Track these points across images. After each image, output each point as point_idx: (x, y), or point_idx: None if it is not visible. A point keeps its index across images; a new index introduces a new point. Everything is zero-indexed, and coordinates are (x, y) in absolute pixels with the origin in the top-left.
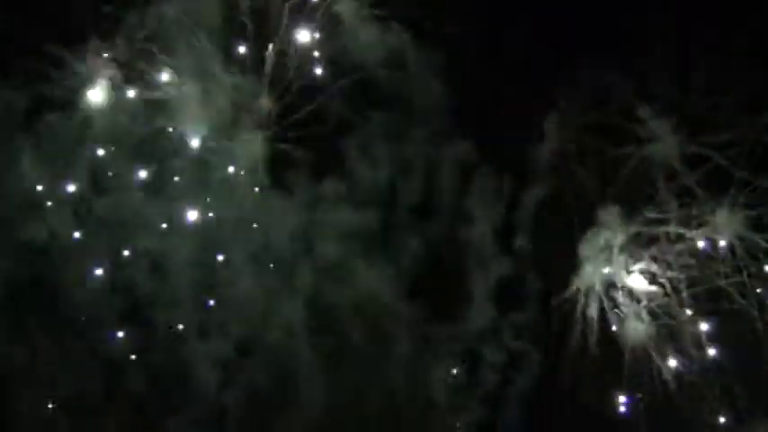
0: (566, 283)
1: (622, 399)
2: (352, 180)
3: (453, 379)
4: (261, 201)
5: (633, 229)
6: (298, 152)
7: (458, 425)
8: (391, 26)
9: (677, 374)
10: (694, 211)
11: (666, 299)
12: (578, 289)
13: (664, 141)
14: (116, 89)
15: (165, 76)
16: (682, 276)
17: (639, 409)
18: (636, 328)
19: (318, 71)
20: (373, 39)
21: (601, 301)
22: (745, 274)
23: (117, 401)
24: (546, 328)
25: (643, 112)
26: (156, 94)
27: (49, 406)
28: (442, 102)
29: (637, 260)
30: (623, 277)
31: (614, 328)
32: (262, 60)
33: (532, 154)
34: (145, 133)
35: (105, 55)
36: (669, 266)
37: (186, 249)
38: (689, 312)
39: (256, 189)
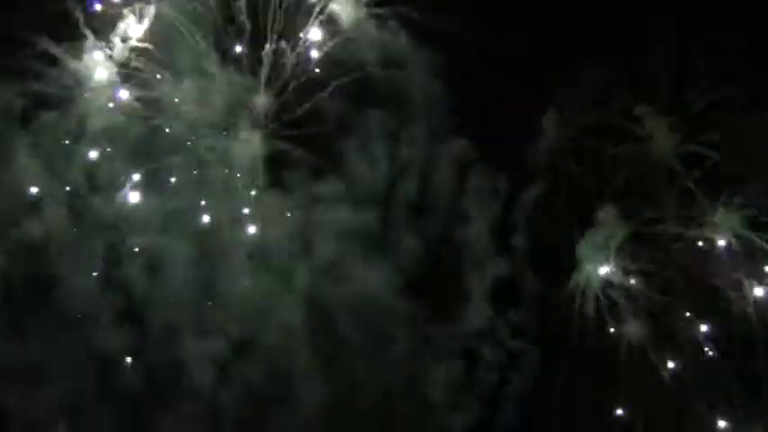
0: (563, 283)
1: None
2: (350, 179)
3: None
4: (258, 200)
5: (630, 228)
6: (295, 151)
7: None
8: (389, 25)
9: (675, 374)
10: (692, 211)
11: (664, 298)
12: (576, 288)
13: (662, 140)
14: (112, 88)
15: (161, 75)
16: (679, 276)
17: (637, 408)
18: (633, 327)
19: (316, 70)
20: (371, 38)
21: (598, 301)
22: (742, 273)
23: (112, 400)
24: (543, 327)
25: (641, 111)
26: (153, 93)
27: (44, 404)
28: (439, 101)
29: (634, 259)
30: (621, 276)
31: (612, 327)
32: (259, 59)
33: (530, 153)
34: (141, 132)
35: (102, 53)
36: (667, 266)
37: (183, 248)
38: (686, 312)
39: (254, 188)
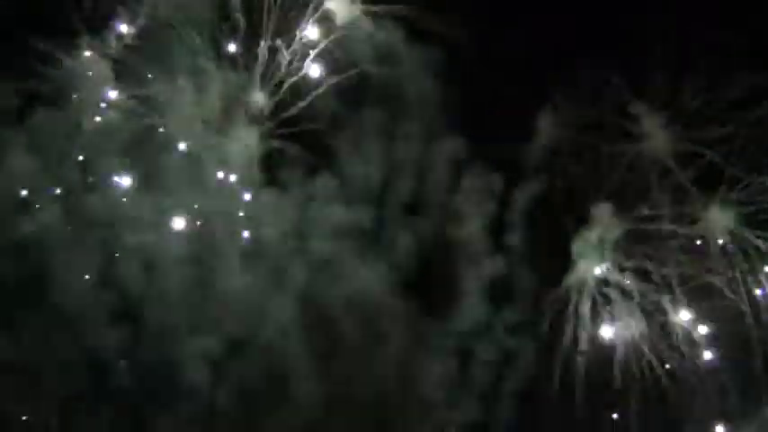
0: (558, 281)
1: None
2: (346, 177)
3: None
4: (253, 197)
5: (626, 226)
6: (291, 149)
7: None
8: (384, 23)
9: (669, 372)
10: (687, 209)
11: (659, 296)
12: (571, 286)
13: (656, 138)
14: (107, 86)
15: (156, 73)
16: (674, 273)
17: (632, 406)
18: (628, 325)
19: (311, 68)
20: (366, 35)
21: (593, 299)
22: (737, 271)
23: (107, 399)
24: (538, 325)
25: (636, 108)
26: (148, 91)
27: (38, 404)
28: (434, 99)
29: (629, 257)
30: (616, 274)
31: (607, 325)
32: (254, 57)
33: (525, 151)
34: (136, 130)
35: (96, 51)
36: (662, 264)
37: (178, 246)
38: (681, 310)
39: (249, 186)
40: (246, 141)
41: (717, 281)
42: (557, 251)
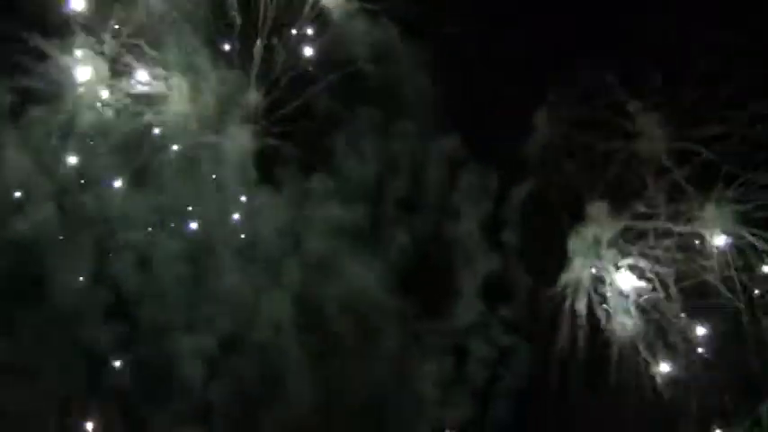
0: (554, 279)
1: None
2: (341, 175)
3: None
4: (248, 196)
5: (621, 224)
6: (286, 147)
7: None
8: (380, 20)
9: (665, 370)
10: (683, 207)
11: (655, 294)
12: (566, 284)
13: (652, 136)
14: (102, 83)
15: (151, 71)
16: (670, 272)
17: (628, 404)
18: (624, 323)
19: (307, 66)
20: (362, 33)
21: (589, 297)
22: (732, 269)
23: (102, 397)
24: (534, 323)
25: (632, 106)
26: (143, 89)
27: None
28: (430, 97)
29: (625, 255)
30: (611, 273)
31: (603, 323)
32: (250, 55)
33: (521, 149)
34: (131, 128)
35: (90, 49)
36: (657, 262)
37: (173, 244)
38: (677, 308)
39: (244, 184)
40: (242, 140)
41: (712, 279)
42: (552, 249)
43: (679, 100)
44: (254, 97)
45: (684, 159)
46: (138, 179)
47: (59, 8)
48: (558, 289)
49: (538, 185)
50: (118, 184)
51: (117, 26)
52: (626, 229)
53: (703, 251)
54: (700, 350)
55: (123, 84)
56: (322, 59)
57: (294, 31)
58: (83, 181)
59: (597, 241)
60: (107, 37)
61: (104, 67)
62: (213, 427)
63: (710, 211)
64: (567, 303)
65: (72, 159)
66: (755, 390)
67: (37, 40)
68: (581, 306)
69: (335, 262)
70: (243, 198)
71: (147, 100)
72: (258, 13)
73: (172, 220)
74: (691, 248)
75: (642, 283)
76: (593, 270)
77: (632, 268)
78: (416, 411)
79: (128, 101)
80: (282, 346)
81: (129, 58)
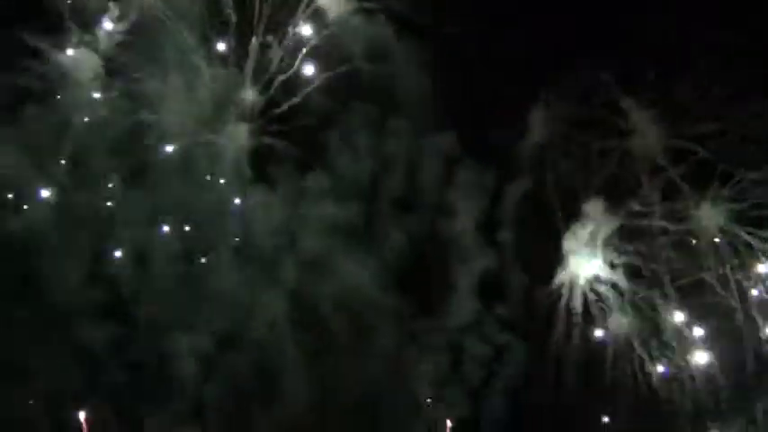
0: (549, 277)
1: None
2: (336, 173)
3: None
4: (244, 194)
5: (617, 222)
6: (282, 146)
7: (427, 401)
8: (376, 19)
9: (659, 366)
10: (678, 205)
11: (650, 292)
12: (562, 283)
13: (648, 135)
14: (98, 81)
15: (147, 69)
16: (665, 270)
17: (623, 402)
18: (619, 321)
19: (303, 64)
20: (358, 32)
21: (584, 295)
22: (727, 266)
23: (98, 396)
24: (530, 321)
25: (627, 105)
26: (138, 87)
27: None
28: (426, 95)
29: (620, 254)
30: (607, 271)
31: (598, 321)
32: (245, 53)
33: (516, 147)
34: (127, 126)
35: (86, 48)
36: (653, 260)
37: (169, 243)
38: (672, 306)
39: (239, 183)
40: (237, 138)
41: (707, 277)
42: (548, 247)
43: (674, 98)
44: (249, 96)
45: (679, 158)
46: (134, 178)
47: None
48: (554, 287)
49: (533, 184)
50: (113, 182)
51: (112, 24)
52: (621, 228)
53: (698, 249)
54: (695, 348)
55: (118, 82)
56: (318, 58)
57: (290, 30)
58: (78, 179)
59: (593, 239)
60: (102, 35)
61: (99, 65)
62: (208, 426)
63: (705, 209)
64: (563, 301)
65: (67, 158)
66: (750, 388)
67: (31, 38)
68: (576, 304)
69: (331, 260)
70: (238, 196)
71: (143, 98)
72: (253, 11)
73: (167, 218)
74: (686, 247)
75: (637, 282)
76: (589, 268)
77: (627, 266)
78: (412, 409)
79: (123, 99)
80: (278, 345)
81: (124, 57)
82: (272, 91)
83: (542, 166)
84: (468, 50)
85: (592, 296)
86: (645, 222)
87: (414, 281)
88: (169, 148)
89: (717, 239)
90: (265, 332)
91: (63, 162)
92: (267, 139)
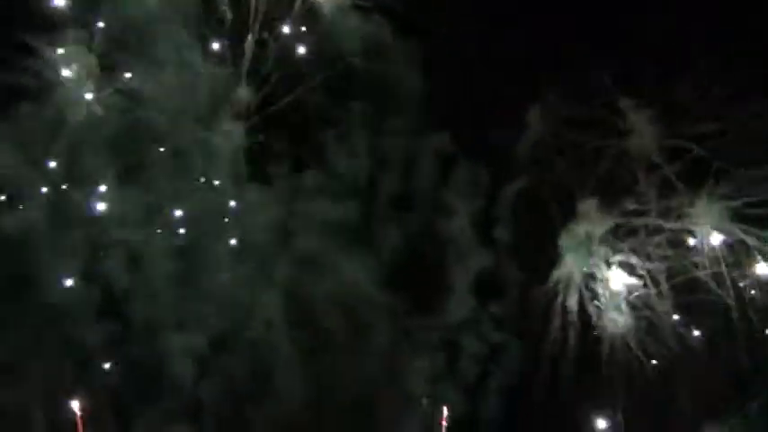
0: (545, 276)
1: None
2: (332, 172)
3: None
4: (240, 192)
5: (613, 220)
6: (277, 143)
7: (423, 399)
8: (372, 17)
9: (655, 364)
10: (673, 203)
11: (646, 291)
12: (558, 281)
13: (643, 133)
14: (93, 80)
15: (141, 67)
16: (661, 268)
17: (618, 400)
18: (615, 320)
19: (298, 62)
20: (354, 29)
21: (580, 294)
22: (723, 264)
23: (93, 395)
24: (525, 319)
25: (623, 104)
26: (133, 85)
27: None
28: (422, 94)
29: (616, 252)
30: (603, 269)
31: (594, 319)
32: (241, 51)
33: (513, 146)
34: (121, 124)
35: (81, 45)
36: (648, 258)
37: (164, 241)
38: (668, 304)
39: (235, 180)
40: (233, 136)
41: (703, 276)
42: (544, 246)
43: (672, 98)
44: (245, 93)
45: (675, 156)
46: (129, 176)
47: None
48: (550, 285)
49: (530, 182)
50: (108, 181)
51: (106, 21)
52: (617, 226)
53: (694, 248)
54: (690, 346)
55: (113, 80)
56: (313, 56)
57: (285, 28)
58: (73, 178)
59: (588, 238)
60: (96, 32)
61: (94, 63)
62: (204, 425)
63: (701, 207)
64: (559, 300)
65: (61, 156)
66: (745, 386)
67: (25, 36)
68: (572, 302)
69: (327, 258)
70: (234, 195)
71: (137, 96)
72: (249, 9)
73: (162, 217)
74: (681, 245)
75: (633, 280)
76: (585, 267)
77: (623, 265)
78: (407, 407)
79: (117, 97)
80: (273, 343)
81: (118, 54)
82: (267, 89)
83: (539, 164)
84: (465, 49)
85: (588, 294)
86: (640, 221)
87: (410, 279)
88: (164, 147)
89: (712, 238)
90: (261, 330)
91: (57, 160)
92: (263, 137)
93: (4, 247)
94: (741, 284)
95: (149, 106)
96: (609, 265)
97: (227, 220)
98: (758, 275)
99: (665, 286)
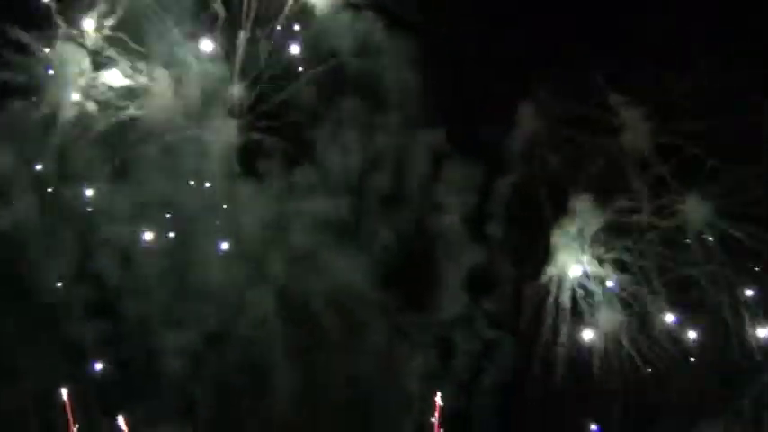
0: (538, 272)
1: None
2: (325, 169)
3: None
4: (232, 190)
5: (605, 217)
6: (270, 141)
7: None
8: (364, 14)
9: (648, 362)
10: (666, 201)
11: (638, 288)
12: (551, 278)
13: (636, 131)
14: (85, 76)
15: (134, 64)
16: (653, 265)
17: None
18: (607, 317)
19: (291, 59)
20: (346, 27)
21: (573, 290)
22: (716, 263)
23: (86, 393)
24: (518, 316)
25: (616, 101)
26: (126, 82)
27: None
28: (415, 91)
29: (609, 249)
30: (595, 266)
31: (586, 316)
32: (233, 48)
33: (505, 143)
34: (114, 122)
35: (73, 41)
36: (641, 255)
37: (157, 239)
38: (660, 301)
39: (227, 178)
40: (225, 134)
41: (695, 273)
42: (537, 243)
43: (666, 95)
44: (237, 91)
45: (668, 153)
46: (121, 173)
47: None
48: (542, 283)
49: (522, 179)
50: (100, 178)
51: (99, 19)
52: (610, 223)
53: (687, 246)
54: (682, 343)
55: (105, 77)
56: (306, 53)
57: (278, 25)
58: (64, 175)
59: (581, 235)
60: (89, 29)
61: (86, 60)
62: (197, 423)
63: (693, 205)
64: (552, 297)
65: (53, 153)
66: (738, 384)
67: (17, 33)
68: (565, 299)
69: (320, 256)
70: (226, 192)
71: (130, 93)
72: (241, 6)
73: (155, 214)
74: (674, 242)
75: (626, 277)
76: (577, 264)
77: (616, 262)
78: (401, 404)
79: (110, 94)
80: (266, 340)
81: (111, 51)
82: (260, 86)
83: (531, 161)
84: (457, 46)
85: (580, 291)
86: (633, 218)
87: (402, 276)
88: (156, 144)
89: (704, 235)
90: (254, 328)
91: (49, 158)
92: (255, 135)
93: None
94: (734, 282)
95: (142, 103)
96: (601, 262)
97: (219, 217)
98: (751, 274)
99: (657, 283)
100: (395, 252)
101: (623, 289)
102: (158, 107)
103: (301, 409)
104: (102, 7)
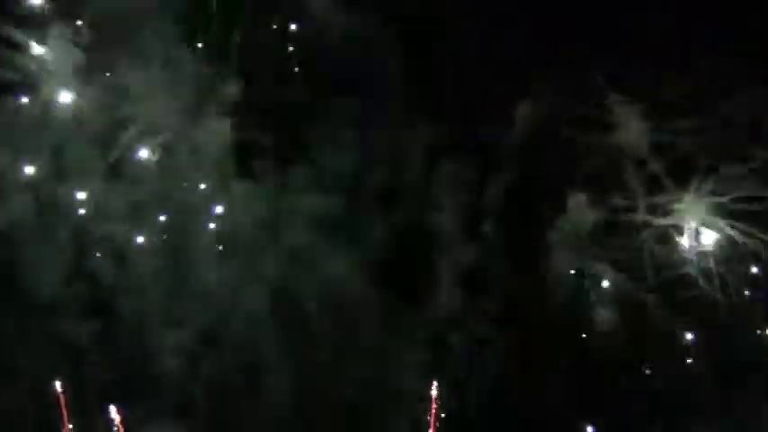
0: (534, 270)
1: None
2: (319, 167)
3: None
4: (227, 188)
5: (601, 216)
6: (264, 139)
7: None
8: (361, 12)
9: (643, 361)
10: (662, 199)
11: (634, 286)
12: (547, 276)
13: (631, 129)
14: (79, 75)
15: (129, 63)
16: (649, 264)
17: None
18: (603, 315)
19: (285, 58)
20: (341, 24)
21: (569, 289)
22: (711, 260)
23: (82, 392)
24: (514, 315)
25: (612, 100)
26: (121, 81)
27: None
28: (411, 87)
29: (604, 247)
30: (591, 264)
31: (582, 314)
32: (228, 47)
33: (501, 140)
34: (108, 120)
35: (67, 40)
36: (636, 253)
37: (151, 238)
38: (656, 300)
39: (222, 177)
40: (219, 133)
41: (691, 271)
42: (532, 241)
43: (659, 93)
44: (231, 90)
45: (663, 152)
46: (115, 172)
47: None
48: (538, 281)
49: (518, 177)
50: (94, 177)
51: (94, 17)
52: (605, 221)
53: (682, 244)
54: (679, 343)
55: (100, 75)
56: (300, 51)
57: (274, 23)
58: (58, 174)
59: (577, 233)
60: (84, 27)
61: (81, 59)
62: (193, 422)
63: (689, 203)
64: (547, 295)
65: (47, 152)
66: (735, 383)
67: (11, 30)
68: (560, 297)
69: (314, 254)
70: (220, 191)
71: (124, 92)
72: (237, 4)
73: (149, 213)
74: (670, 240)
75: (621, 275)
76: (573, 262)
77: (611, 260)
78: (396, 403)
79: (104, 93)
80: (261, 339)
81: (106, 50)
82: (254, 85)
83: (527, 159)
84: (454, 44)
85: (576, 289)
86: (629, 216)
87: (397, 274)
88: (151, 143)
89: (700, 233)
90: (249, 327)
91: (43, 156)
92: (249, 134)
93: None
94: (730, 281)
95: (136, 102)
96: (597, 260)
97: (213, 215)
98: (747, 272)
99: (653, 282)
100: (389, 250)
101: (619, 287)
102: (152, 106)
103: (297, 408)
104: (96, 5)
